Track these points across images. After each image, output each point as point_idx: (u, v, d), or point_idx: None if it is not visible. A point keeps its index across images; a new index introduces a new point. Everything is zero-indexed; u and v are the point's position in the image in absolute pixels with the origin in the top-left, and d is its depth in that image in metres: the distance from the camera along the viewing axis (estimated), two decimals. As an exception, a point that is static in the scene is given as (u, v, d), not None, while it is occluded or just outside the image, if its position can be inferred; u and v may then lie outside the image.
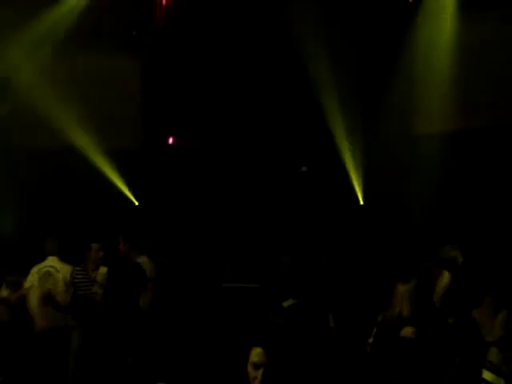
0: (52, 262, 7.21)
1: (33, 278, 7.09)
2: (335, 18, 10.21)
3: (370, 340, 5.50)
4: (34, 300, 6.74)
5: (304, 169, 11.09)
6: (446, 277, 6.56)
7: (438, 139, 9.71)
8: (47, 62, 10.24)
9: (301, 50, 10.25)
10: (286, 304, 5.33)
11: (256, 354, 3.96)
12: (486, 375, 4.52)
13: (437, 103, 9.79)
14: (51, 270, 7.15)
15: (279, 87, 10.75)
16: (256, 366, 3.92)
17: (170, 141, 11.63)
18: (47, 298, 6.87)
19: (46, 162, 10.30)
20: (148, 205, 10.99)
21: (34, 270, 7.17)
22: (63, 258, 7.15)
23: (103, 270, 7.10)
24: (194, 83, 11.14)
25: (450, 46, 9.70)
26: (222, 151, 11.15)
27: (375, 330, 5.47)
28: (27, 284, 7.00)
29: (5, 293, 6.37)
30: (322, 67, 10.24)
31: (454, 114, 9.74)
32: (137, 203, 11.18)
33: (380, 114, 9.98)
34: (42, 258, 7.31)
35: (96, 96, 10.61)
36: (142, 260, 7.00)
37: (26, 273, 7.11)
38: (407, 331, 5.14)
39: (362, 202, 10.72)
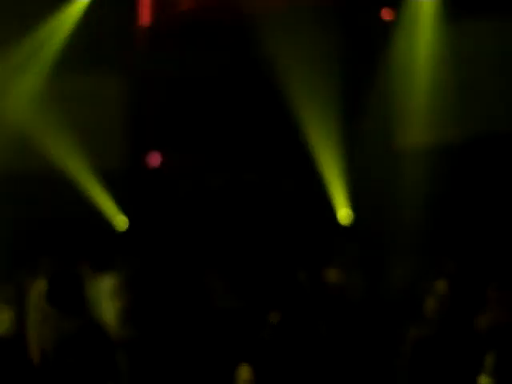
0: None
1: None
2: (313, 35, 10.26)
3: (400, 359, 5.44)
4: None
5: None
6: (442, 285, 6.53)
7: (421, 152, 9.75)
8: (32, 83, 10.27)
9: (278, 67, 10.28)
10: (272, 319, 5.25)
11: (244, 371, 3.95)
12: (484, 380, 4.51)
13: (419, 116, 9.82)
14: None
15: (263, 106, 10.75)
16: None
17: (155, 161, 11.56)
18: None
19: (28, 184, 10.31)
20: (135, 227, 10.96)
21: None
22: None
23: None
24: (180, 103, 11.14)
25: (428, 59, 9.75)
26: (209, 170, 11.12)
27: (405, 346, 5.44)
28: None
29: None
30: (301, 83, 10.27)
31: (437, 126, 9.78)
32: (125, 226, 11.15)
33: (362, 128, 10.00)
34: None
35: (81, 116, 10.60)
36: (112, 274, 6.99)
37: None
38: None
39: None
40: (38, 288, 7.38)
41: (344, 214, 10.35)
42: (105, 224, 10.83)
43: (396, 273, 9.09)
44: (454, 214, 9.48)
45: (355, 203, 10.28)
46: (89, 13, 10.78)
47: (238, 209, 10.85)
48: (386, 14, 10.39)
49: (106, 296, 7.70)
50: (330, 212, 10.46)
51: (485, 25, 9.52)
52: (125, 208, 10.97)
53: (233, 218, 10.82)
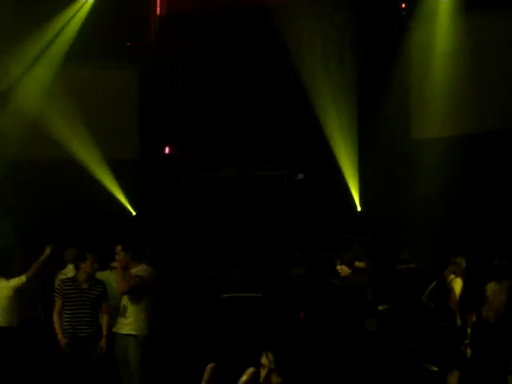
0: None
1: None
2: (330, 25, 10.26)
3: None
4: None
5: (300, 176, 11.07)
6: (459, 282, 6.68)
7: (435, 144, 9.77)
8: (46, 75, 10.34)
9: (297, 58, 10.28)
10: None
11: (264, 357, 4.07)
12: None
13: (434, 108, 9.83)
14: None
15: (276, 95, 10.77)
16: (263, 367, 4.04)
17: (167, 150, 11.60)
18: None
19: (44, 172, 10.37)
20: (146, 214, 10.99)
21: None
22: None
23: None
24: (191, 93, 11.17)
25: (445, 50, 9.75)
26: (217, 160, 11.14)
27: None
28: None
29: None
30: (318, 74, 10.27)
31: (452, 118, 9.79)
32: (134, 213, 11.18)
33: (378, 118, 10.00)
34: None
35: (93, 107, 10.65)
36: (142, 268, 7.01)
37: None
38: None
39: (359, 208, 10.68)
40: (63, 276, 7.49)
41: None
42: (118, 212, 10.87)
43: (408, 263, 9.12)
44: (468, 204, 9.51)
45: (370, 192, 10.28)
46: (102, 4, 10.82)
47: (250, 200, 10.88)
48: (404, 6, 10.40)
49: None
50: (345, 201, 10.48)
51: (502, 18, 9.52)
52: (138, 196, 11.01)
53: (245, 209, 10.86)
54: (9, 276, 7.37)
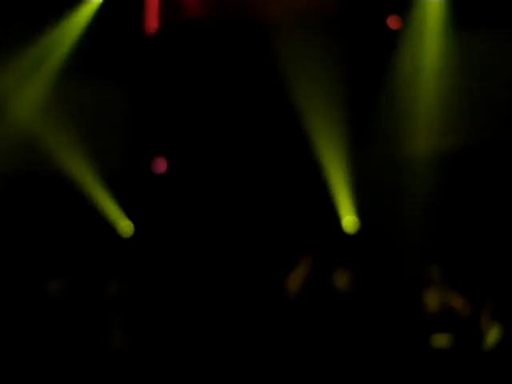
0: None
1: None
2: (320, 42, 10.33)
3: None
4: None
5: None
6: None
7: (426, 160, 9.78)
8: (39, 89, 10.37)
9: (285, 73, 10.34)
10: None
11: None
12: None
13: (426, 123, 9.86)
14: None
15: (266, 110, 10.80)
16: None
17: (162, 166, 11.60)
18: None
19: (31, 186, 10.36)
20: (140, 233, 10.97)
21: None
22: None
23: None
24: (182, 109, 11.20)
25: (436, 67, 9.80)
26: (210, 176, 11.14)
27: None
28: None
29: None
30: (307, 90, 10.31)
31: (443, 134, 9.82)
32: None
33: (368, 135, 10.03)
34: None
35: (86, 121, 10.64)
36: None
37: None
38: None
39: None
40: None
41: (349, 221, 10.35)
42: (109, 230, 10.83)
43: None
44: (459, 221, 9.52)
45: (361, 211, 10.26)
46: (94, 20, 10.87)
47: (244, 214, 10.87)
48: (393, 22, 10.44)
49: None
50: (335, 220, 10.46)
51: (493, 34, 9.59)
52: (130, 214, 10.98)
53: (240, 223, 10.83)
54: None
